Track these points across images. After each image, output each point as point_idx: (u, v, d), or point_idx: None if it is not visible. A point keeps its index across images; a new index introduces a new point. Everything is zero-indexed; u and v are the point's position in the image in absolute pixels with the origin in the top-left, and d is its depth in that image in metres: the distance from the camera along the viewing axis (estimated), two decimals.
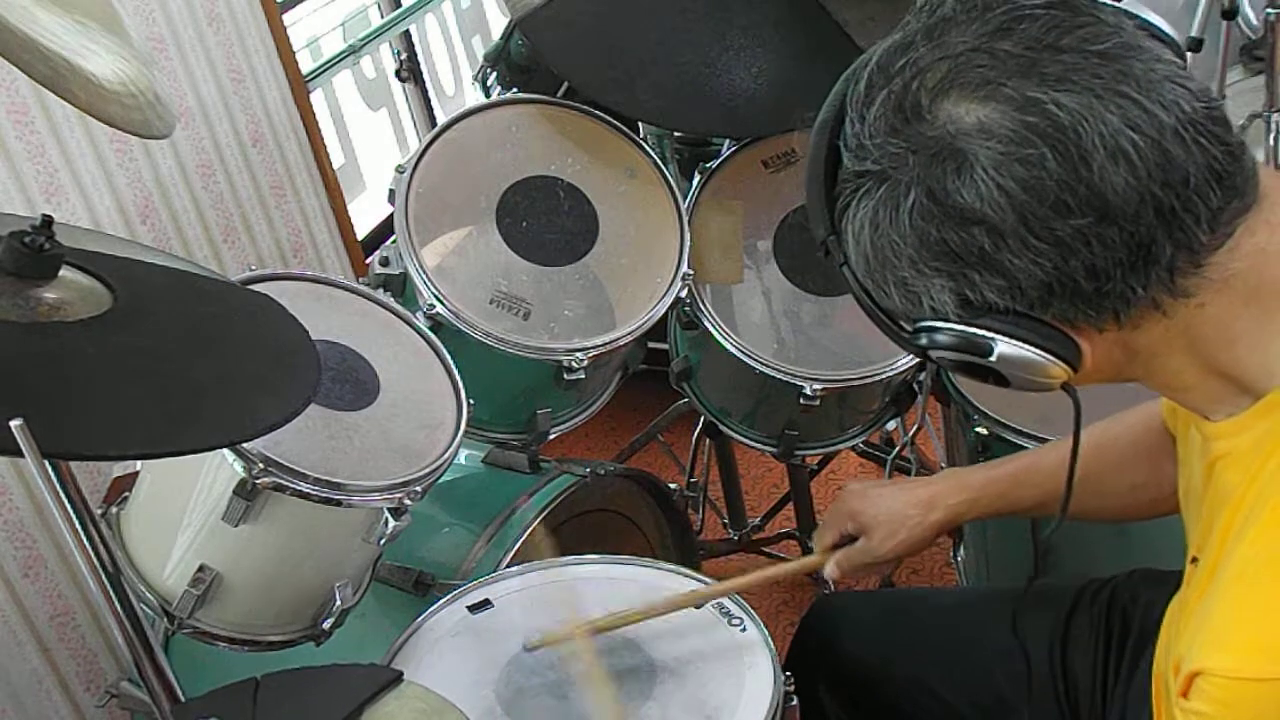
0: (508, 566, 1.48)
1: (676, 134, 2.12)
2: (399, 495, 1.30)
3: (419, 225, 1.57)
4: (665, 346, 1.85)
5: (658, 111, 1.75)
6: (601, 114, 1.70)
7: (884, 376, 1.68)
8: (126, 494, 1.39)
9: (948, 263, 0.81)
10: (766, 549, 2.29)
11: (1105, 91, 0.76)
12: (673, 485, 1.88)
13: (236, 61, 2.10)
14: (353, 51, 2.66)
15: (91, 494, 1.19)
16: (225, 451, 1.23)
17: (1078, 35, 0.78)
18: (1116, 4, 0.82)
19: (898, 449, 2.12)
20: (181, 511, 1.31)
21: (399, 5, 2.87)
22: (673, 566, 1.38)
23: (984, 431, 1.54)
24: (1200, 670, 0.79)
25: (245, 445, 1.22)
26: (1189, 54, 2.58)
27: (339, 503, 1.27)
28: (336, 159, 2.55)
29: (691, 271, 1.65)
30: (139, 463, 1.37)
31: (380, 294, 1.52)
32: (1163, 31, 0.83)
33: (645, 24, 1.72)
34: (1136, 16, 0.82)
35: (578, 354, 1.56)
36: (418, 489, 1.32)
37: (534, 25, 1.67)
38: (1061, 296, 0.80)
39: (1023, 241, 0.78)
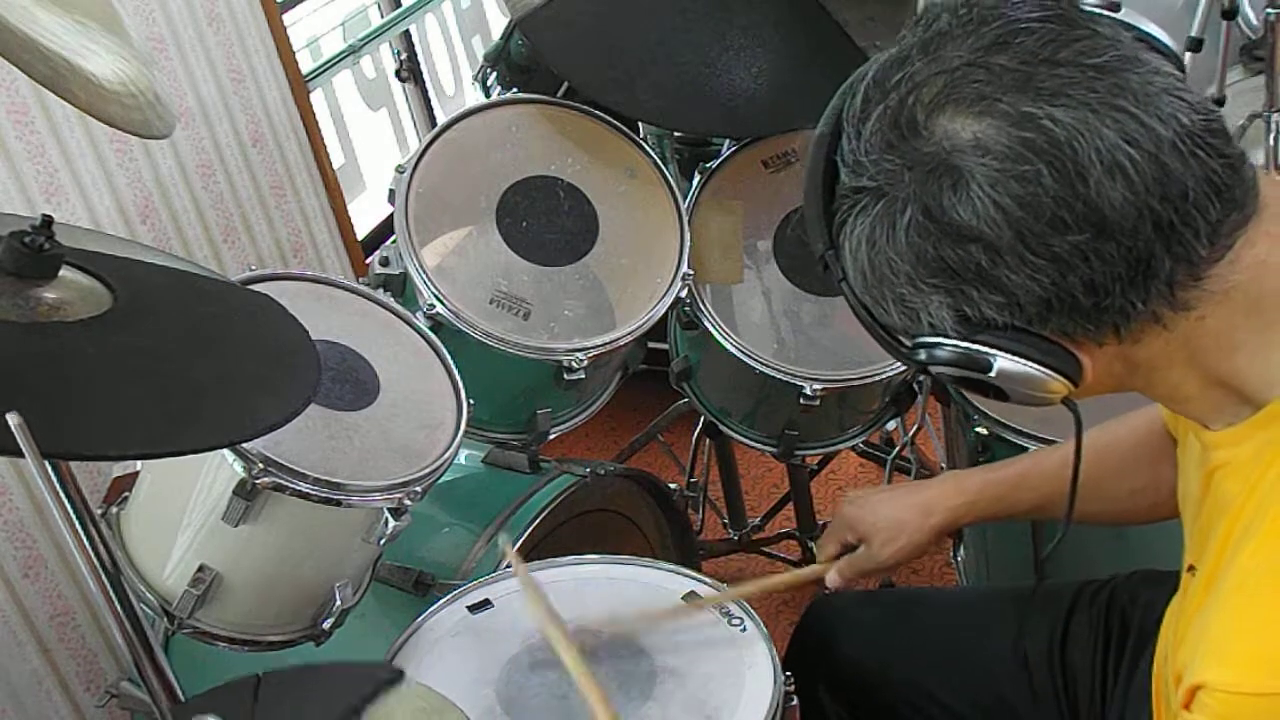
0: (508, 566, 1.48)
1: (676, 134, 2.12)
2: (399, 495, 1.30)
3: (419, 225, 1.57)
4: (665, 346, 1.85)
5: (658, 111, 1.75)
6: (601, 114, 1.70)
7: (884, 376, 1.68)
8: (126, 494, 1.39)
9: (945, 279, 0.80)
10: (766, 549, 2.29)
11: (1101, 106, 0.75)
12: (673, 485, 1.88)
13: (236, 61, 2.10)
14: (353, 51, 2.66)
15: (91, 494, 1.19)
16: (225, 451, 1.23)
17: (1074, 49, 0.77)
18: (1114, 15, 0.81)
19: (898, 449, 2.12)
20: (181, 511, 1.31)
21: (399, 5, 2.87)
22: (672, 566, 1.38)
23: (984, 432, 1.54)
24: (1201, 684, 0.78)
25: (245, 445, 1.22)
26: (1189, 54, 2.58)
27: (339, 503, 1.27)
28: (336, 159, 2.55)
29: (691, 271, 1.65)
30: (139, 463, 1.37)
31: (380, 294, 1.52)
32: (1161, 43, 0.83)
33: (645, 24, 1.72)
34: (1134, 28, 0.81)
35: (578, 354, 1.56)
36: (418, 489, 1.32)
37: (534, 25, 1.67)
38: (1060, 312, 0.79)
39: (1020, 258, 0.77)
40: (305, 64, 2.39)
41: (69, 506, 1.02)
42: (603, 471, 1.65)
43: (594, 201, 1.66)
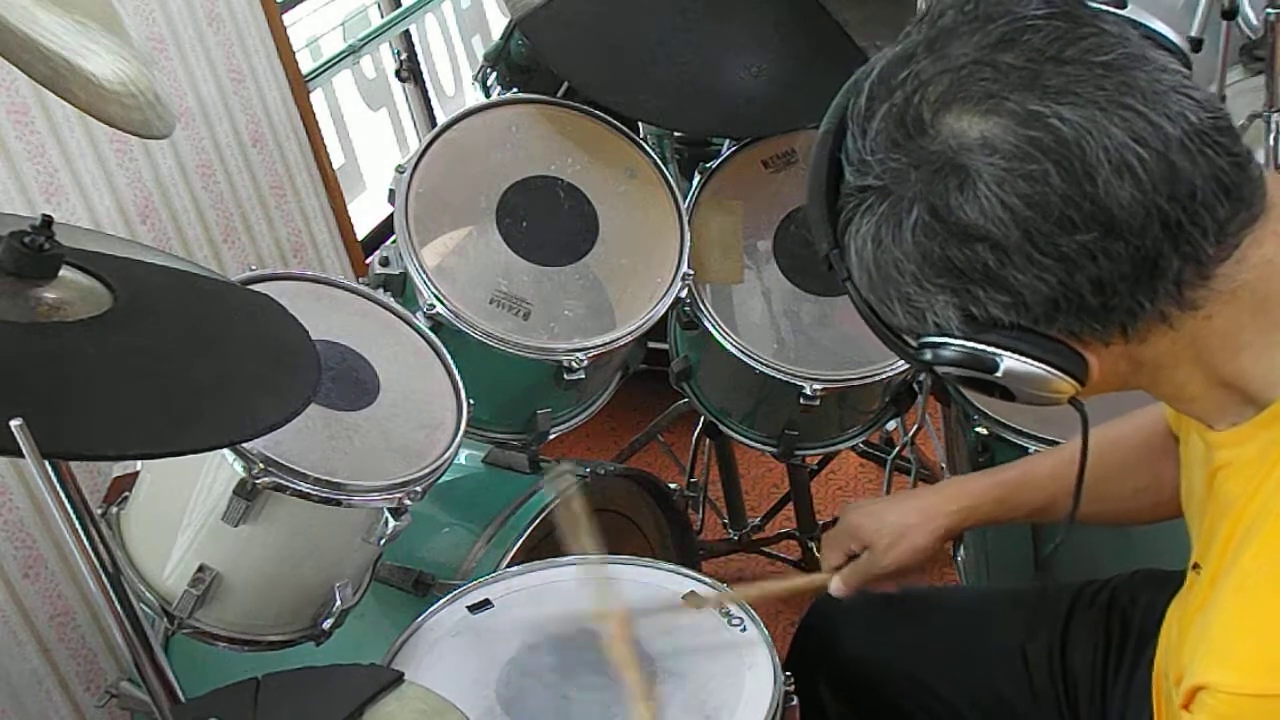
0: (508, 566, 1.48)
1: (676, 134, 2.12)
2: (399, 495, 1.30)
3: (419, 225, 1.56)
4: (665, 346, 1.85)
5: (658, 111, 1.75)
6: (601, 114, 1.70)
7: (884, 376, 1.68)
8: (126, 494, 1.39)
9: (951, 279, 0.80)
10: (766, 549, 2.29)
11: (1109, 104, 0.75)
12: (673, 485, 1.88)
13: (236, 61, 2.10)
14: (353, 51, 2.66)
15: (91, 494, 1.19)
16: (225, 451, 1.23)
17: (1081, 46, 0.77)
18: (1120, 12, 0.81)
19: (898, 449, 2.13)
20: (181, 511, 1.31)
21: (399, 5, 2.87)
22: (673, 566, 1.38)
23: (984, 432, 1.54)
24: (1202, 685, 0.78)
25: (245, 445, 1.22)
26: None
27: (339, 503, 1.27)
28: (336, 159, 2.55)
29: (691, 271, 1.65)
30: (139, 463, 1.37)
31: (380, 294, 1.52)
32: (1168, 40, 0.82)
33: (645, 24, 1.72)
34: (1141, 25, 0.80)
35: (578, 354, 1.56)
36: (418, 489, 1.32)
37: (534, 25, 1.67)
38: (1067, 311, 0.79)
39: (1027, 258, 0.77)
40: (305, 64, 2.39)
41: (69, 506, 1.02)
42: (603, 471, 1.65)
43: (594, 201, 1.66)
